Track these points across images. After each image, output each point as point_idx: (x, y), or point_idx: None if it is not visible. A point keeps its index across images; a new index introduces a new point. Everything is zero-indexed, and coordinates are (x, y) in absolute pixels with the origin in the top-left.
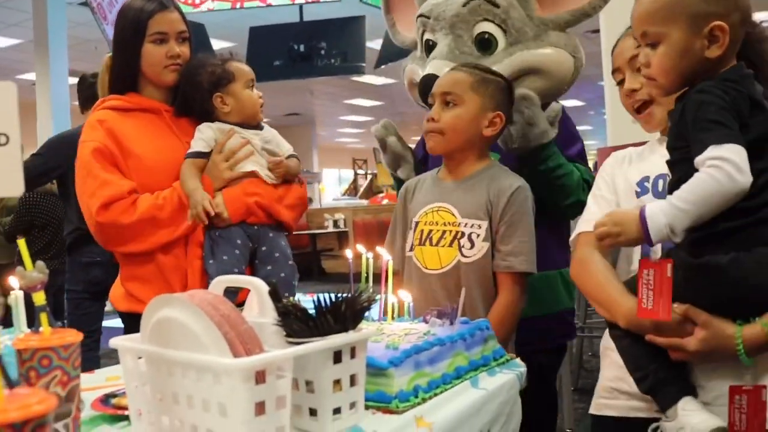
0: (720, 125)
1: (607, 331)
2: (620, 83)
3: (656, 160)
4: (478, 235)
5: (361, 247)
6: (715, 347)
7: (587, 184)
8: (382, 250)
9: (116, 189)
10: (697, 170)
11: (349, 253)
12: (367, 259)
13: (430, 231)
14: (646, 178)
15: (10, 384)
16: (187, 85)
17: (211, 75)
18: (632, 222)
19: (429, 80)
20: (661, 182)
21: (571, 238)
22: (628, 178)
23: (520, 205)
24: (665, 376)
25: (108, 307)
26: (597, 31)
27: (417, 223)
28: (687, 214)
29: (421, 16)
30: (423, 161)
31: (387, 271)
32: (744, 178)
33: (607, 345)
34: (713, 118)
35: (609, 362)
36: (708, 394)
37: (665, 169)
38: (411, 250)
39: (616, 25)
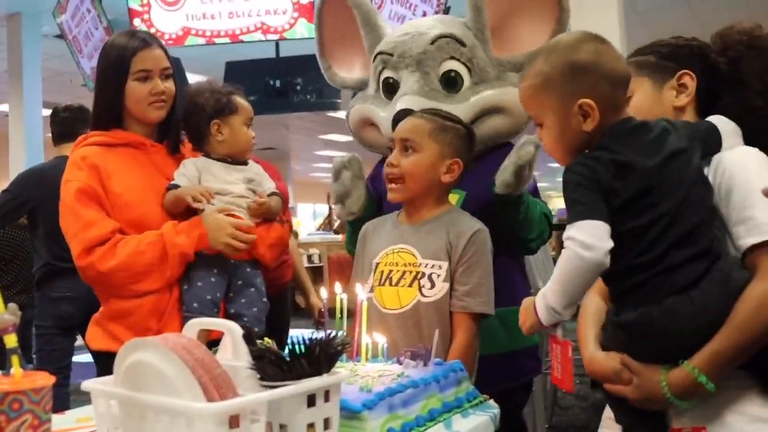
0: (575, 202)
1: None
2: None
3: None
4: (439, 275)
5: (338, 286)
6: (648, 393)
7: (546, 218)
8: (360, 289)
9: (99, 230)
10: None
11: (323, 292)
12: (341, 299)
13: (390, 271)
14: None
15: None
16: (190, 104)
17: (216, 102)
18: (531, 307)
19: (404, 115)
20: None
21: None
22: None
23: (479, 247)
24: (646, 421)
25: (78, 342)
26: None
27: (377, 264)
28: (559, 294)
29: (381, 53)
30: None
31: (361, 310)
32: (591, 253)
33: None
34: (570, 196)
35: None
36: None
37: None
38: (371, 291)
39: None
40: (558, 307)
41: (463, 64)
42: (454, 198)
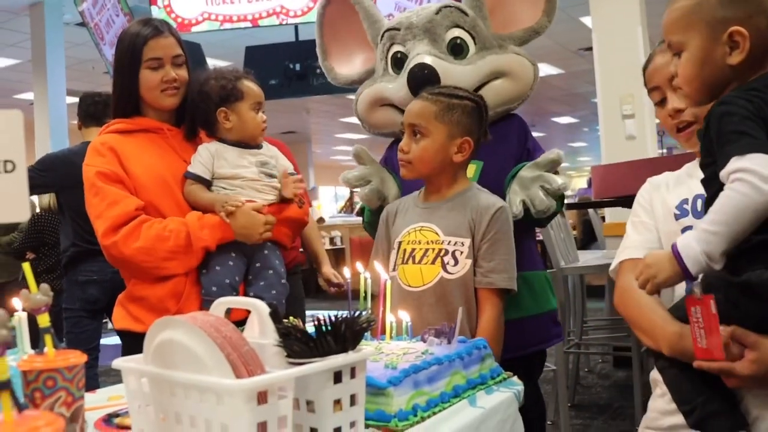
0: (743, 135)
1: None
2: (660, 103)
3: (693, 182)
4: (462, 252)
5: (359, 266)
6: None
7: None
8: (381, 269)
9: (123, 207)
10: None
11: (347, 271)
12: (365, 278)
13: (413, 250)
14: (685, 201)
15: (19, 407)
16: (197, 93)
17: (221, 89)
18: (665, 259)
19: (419, 70)
20: (699, 202)
21: (612, 267)
22: (667, 202)
23: (502, 225)
24: (715, 409)
25: (108, 325)
26: (589, 48)
27: (400, 243)
28: (721, 237)
29: (389, 30)
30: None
31: (385, 290)
32: None
33: (656, 377)
34: (735, 128)
35: (659, 393)
36: (763, 424)
37: (702, 190)
38: (394, 270)
39: (609, 42)
40: (718, 252)
41: (467, 31)
42: (471, 169)
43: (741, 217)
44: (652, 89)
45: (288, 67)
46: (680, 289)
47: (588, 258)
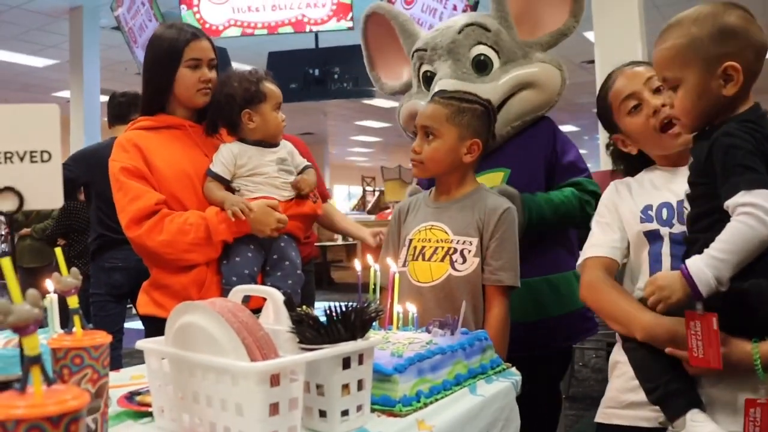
0: (748, 169)
1: (617, 345)
2: (633, 110)
3: (658, 192)
4: (470, 251)
5: (370, 259)
6: (734, 363)
7: (593, 194)
8: (391, 262)
9: (144, 202)
10: (722, 208)
11: (357, 264)
12: (375, 271)
13: (423, 247)
14: (649, 207)
15: (48, 381)
16: (221, 94)
17: (245, 91)
18: (677, 282)
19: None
20: (665, 211)
21: (578, 263)
22: (631, 205)
23: (509, 225)
24: (676, 388)
25: (132, 310)
26: (592, 61)
27: (411, 240)
28: (729, 264)
29: (417, 51)
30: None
31: (394, 282)
32: None
33: (618, 358)
34: (741, 162)
35: (618, 374)
36: (716, 404)
37: (667, 199)
38: (404, 265)
39: (610, 55)
40: (726, 276)
41: (490, 47)
42: (498, 176)
43: (748, 246)
44: (627, 97)
45: (308, 72)
46: (641, 283)
47: None
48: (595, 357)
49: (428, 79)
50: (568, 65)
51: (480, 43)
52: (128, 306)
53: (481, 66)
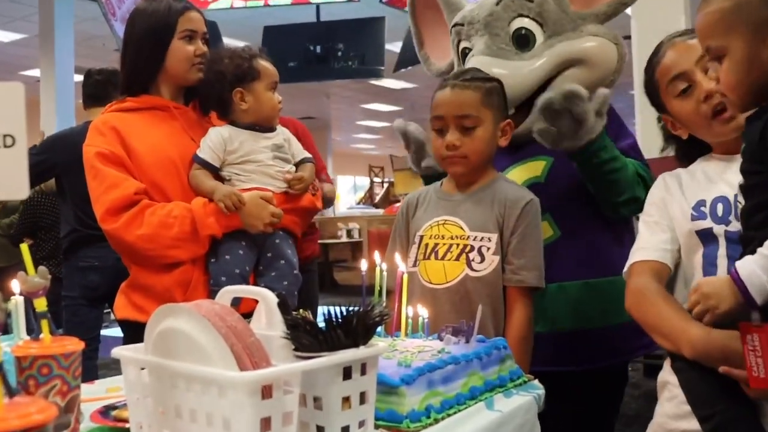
0: None
1: (666, 363)
2: (684, 93)
3: (713, 186)
4: (488, 249)
5: (377, 256)
6: None
7: (643, 180)
8: (400, 260)
9: (122, 191)
10: None
11: (363, 264)
12: (382, 271)
13: (436, 245)
14: (702, 202)
15: (10, 392)
16: (210, 72)
17: (236, 68)
18: (726, 288)
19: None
20: (720, 206)
21: (625, 270)
22: (681, 202)
23: (532, 218)
24: (734, 416)
25: (111, 315)
26: (627, 37)
27: (421, 237)
28: None
29: (455, 25)
30: None
31: (401, 284)
32: None
33: (668, 379)
34: None
35: (668, 397)
36: None
37: (723, 192)
38: (415, 265)
39: (649, 29)
40: None
41: (533, 19)
42: (539, 165)
43: None
44: (676, 77)
45: (308, 49)
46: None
47: None
48: (631, 370)
49: (466, 56)
50: None
51: (521, 15)
52: (106, 311)
53: (523, 41)
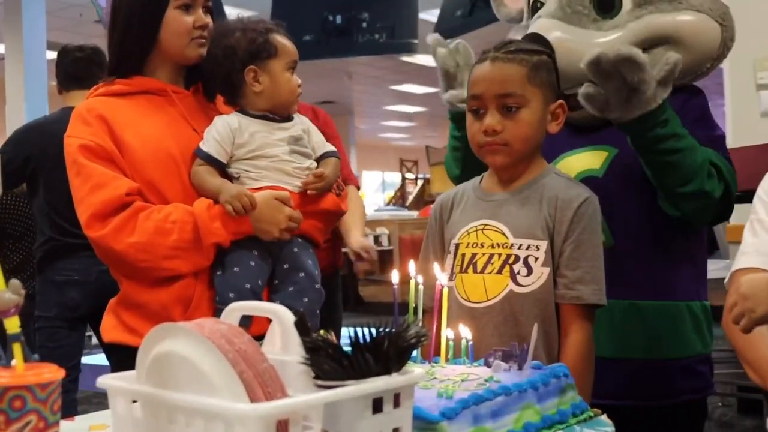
0: None
1: None
2: None
3: None
4: (536, 259)
5: (411, 267)
6: None
7: (720, 175)
8: (439, 270)
9: (110, 192)
10: None
11: (394, 276)
12: (417, 284)
13: (474, 255)
14: None
15: None
16: (218, 47)
17: (250, 43)
18: (765, 288)
19: (530, 40)
20: None
21: (727, 279)
22: None
23: (589, 221)
24: None
25: (92, 339)
26: None
27: (457, 246)
28: None
29: None
30: None
31: (441, 299)
32: None
33: None
34: None
35: None
36: None
37: None
38: (451, 279)
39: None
40: None
41: None
42: (601, 156)
43: None
44: None
45: (326, 20)
46: None
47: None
48: (722, 406)
49: (536, 10)
50: None
51: None
52: (87, 334)
53: (606, 4)
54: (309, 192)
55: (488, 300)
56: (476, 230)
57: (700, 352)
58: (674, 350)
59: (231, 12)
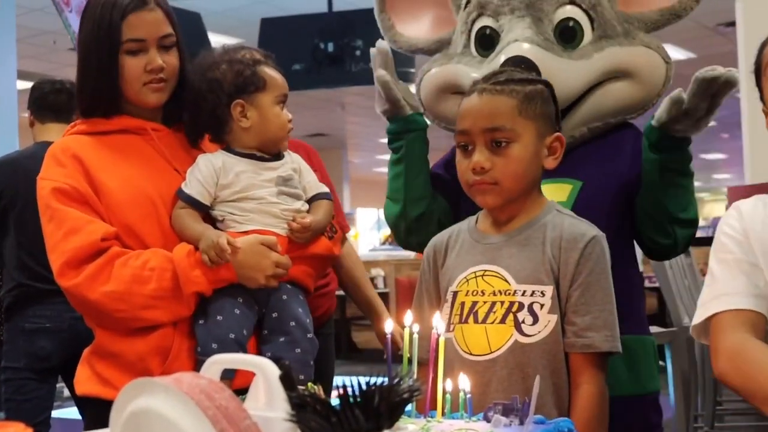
0: None
1: None
2: None
3: None
4: (542, 306)
5: (409, 316)
6: None
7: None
8: (438, 320)
9: (86, 237)
10: None
11: (388, 325)
12: (411, 333)
13: (474, 304)
14: None
15: None
16: (202, 81)
17: (236, 75)
18: None
19: (514, 65)
20: None
21: (696, 321)
22: (764, 238)
23: (597, 261)
24: None
25: (64, 392)
26: (732, 23)
27: (455, 294)
28: None
29: None
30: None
31: (437, 348)
32: None
33: None
34: None
35: None
36: None
37: None
38: (449, 330)
39: (760, 13)
40: None
41: (585, 12)
42: (565, 190)
43: None
44: (763, 69)
45: (318, 48)
46: None
47: None
48: None
49: (486, 39)
50: (696, 30)
51: (573, 2)
52: (59, 385)
53: (568, 35)
54: (299, 230)
55: (492, 352)
56: (475, 276)
57: (659, 388)
58: (650, 384)
59: (216, 39)
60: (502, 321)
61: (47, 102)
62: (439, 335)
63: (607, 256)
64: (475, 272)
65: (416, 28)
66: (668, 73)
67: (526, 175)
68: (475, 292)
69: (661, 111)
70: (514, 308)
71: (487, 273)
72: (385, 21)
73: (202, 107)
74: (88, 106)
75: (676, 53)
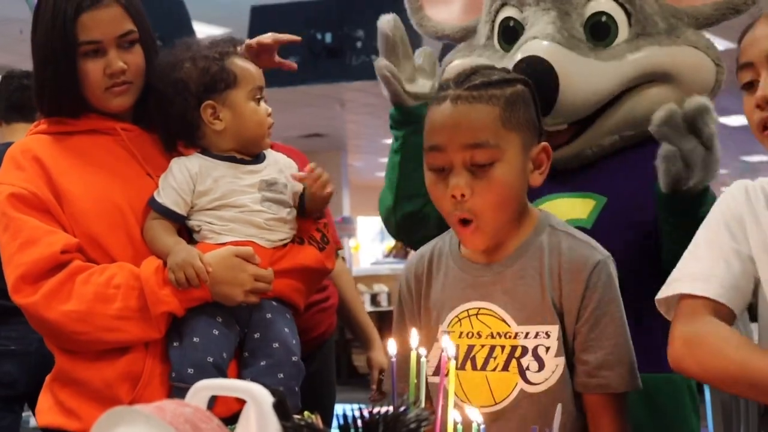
0: None
1: None
2: (747, 86)
3: None
4: (548, 349)
5: (414, 337)
6: None
7: None
8: (448, 342)
9: (44, 249)
10: None
11: (391, 346)
12: (419, 356)
13: (470, 348)
14: None
15: None
16: (168, 83)
17: (202, 73)
18: None
19: (528, 66)
20: None
21: (661, 296)
22: (763, 222)
23: (604, 291)
24: None
25: (30, 421)
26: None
27: (447, 336)
28: None
29: None
30: None
31: (447, 372)
32: None
33: None
34: None
35: None
36: None
37: None
38: (446, 374)
39: None
40: None
41: (621, 5)
42: (587, 205)
43: None
44: (742, 67)
45: (314, 39)
46: None
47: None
48: None
49: (509, 32)
50: (740, 17)
51: None
52: (25, 413)
53: (600, 31)
54: (314, 189)
55: (495, 404)
56: (468, 316)
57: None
58: (686, 426)
59: (202, 30)
60: (505, 368)
61: (12, 100)
62: (448, 359)
63: (615, 281)
64: (467, 310)
65: (446, 12)
66: (718, 77)
67: (511, 201)
68: (470, 334)
69: (660, 178)
70: (517, 353)
71: (481, 312)
72: (414, 1)
73: (170, 113)
74: (50, 109)
75: (714, 43)
